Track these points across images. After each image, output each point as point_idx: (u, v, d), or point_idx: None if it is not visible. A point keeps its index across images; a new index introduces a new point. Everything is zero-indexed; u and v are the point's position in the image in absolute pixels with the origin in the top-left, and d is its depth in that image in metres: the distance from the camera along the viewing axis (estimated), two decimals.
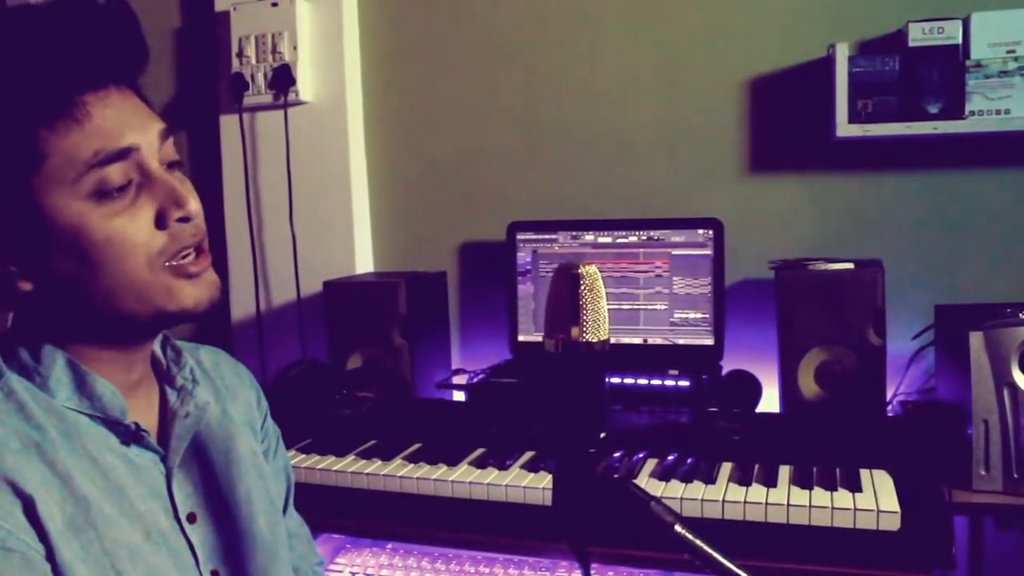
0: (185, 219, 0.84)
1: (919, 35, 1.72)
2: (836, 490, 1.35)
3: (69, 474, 0.80)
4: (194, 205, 0.84)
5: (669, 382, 1.73)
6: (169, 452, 0.90)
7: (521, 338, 2.00)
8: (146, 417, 0.91)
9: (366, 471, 1.57)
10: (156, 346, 0.96)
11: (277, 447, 1.13)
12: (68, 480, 0.79)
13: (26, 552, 0.75)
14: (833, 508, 1.31)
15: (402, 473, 1.55)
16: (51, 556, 0.76)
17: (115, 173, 0.80)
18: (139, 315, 0.84)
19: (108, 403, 0.85)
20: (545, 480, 1.47)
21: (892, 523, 1.28)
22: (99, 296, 0.82)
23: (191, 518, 0.90)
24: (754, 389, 1.65)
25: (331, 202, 2.22)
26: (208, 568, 0.90)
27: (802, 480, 1.40)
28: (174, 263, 0.84)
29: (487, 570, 1.52)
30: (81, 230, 0.79)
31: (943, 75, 1.71)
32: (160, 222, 0.82)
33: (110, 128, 0.80)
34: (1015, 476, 1.36)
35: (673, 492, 1.39)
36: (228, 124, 2.25)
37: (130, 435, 0.87)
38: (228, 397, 1.04)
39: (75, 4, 0.80)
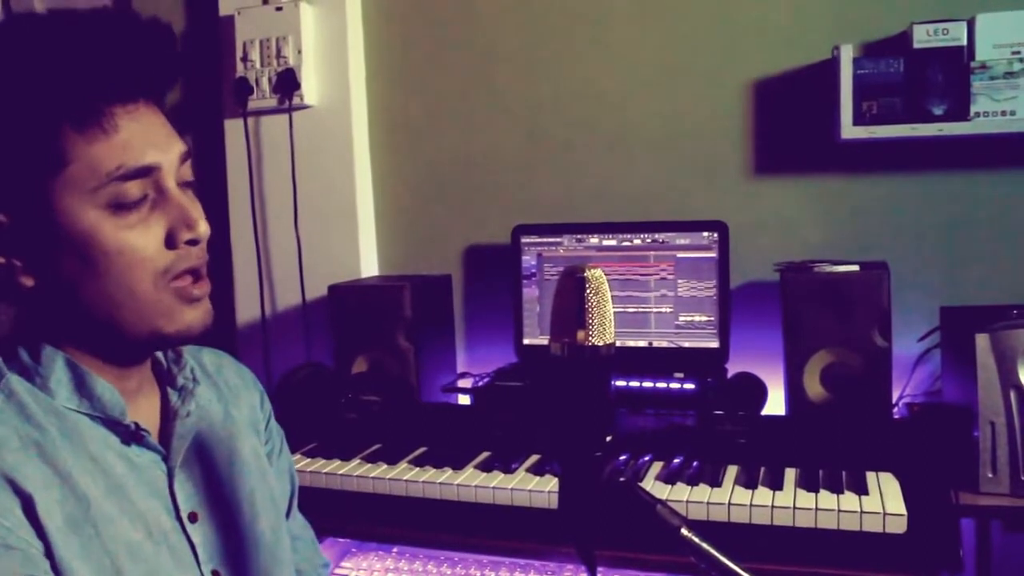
0: (194, 242, 0.85)
1: (924, 36, 1.72)
2: (842, 493, 1.35)
3: (69, 473, 0.80)
4: (203, 228, 0.85)
5: (674, 385, 1.72)
6: (171, 451, 0.91)
7: (526, 341, 2.00)
8: (147, 417, 0.92)
9: (372, 475, 1.57)
10: None
11: (281, 449, 1.13)
12: (68, 479, 0.80)
13: (26, 549, 0.75)
14: (839, 511, 1.30)
15: (408, 477, 1.55)
16: (50, 553, 0.77)
17: (134, 188, 0.81)
18: (134, 331, 0.84)
19: (108, 403, 0.86)
20: (551, 483, 1.47)
21: (899, 526, 1.28)
22: (98, 304, 0.82)
23: (192, 518, 0.90)
24: (759, 392, 1.65)
25: (336, 206, 2.22)
26: (209, 568, 0.90)
27: (808, 483, 1.40)
28: (177, 284, 0.85)
29: (493, 574, 1.51)
30: (93, 237, 0.80)
31: (948, 77, 1.70)
32: (170, 241, 0.84)
33: (135, 144, 0.81)
34: (1022, 478, 1.36)
35: (679, 495, 1.39)
36: (233, 128, 2.26)
37: (130, 435, 0.87)
38: (231, 399, 1.04)
39: (116, 16, 0.82)
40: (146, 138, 0.82)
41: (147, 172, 0.82)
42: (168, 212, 0.84)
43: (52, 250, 0.81)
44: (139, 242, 0.82)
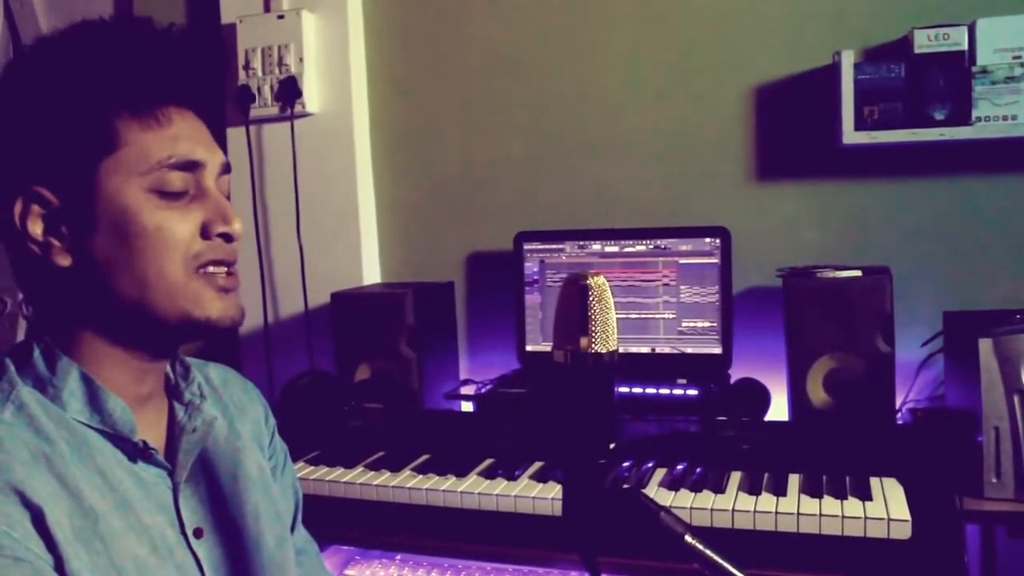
0: (228, 236, 0.89)
1: (925, 42, 1.72)
2: (846, 498, 1.35)
3: (78, 486, 0.80)
4: (238, 226, 0.90)
5: (677, 391, 1.72)
6: (176, 467, 0.91)
7: (529, 348, 2.00)
8: (154, 431, 0.92)
9: (375, 482, 1.57)
10: None
11: (285, 464, 1.13)
12: (76, 492, 0.80)
13: (35, 562, 0.75)
14: (843, 517, 1.30)
15: (411, 484, 1.55)
16: (60, 567, 0.77)
17: (177, 179, 0.86)
18: (163, 315, 0.86)
19: (118, 420, 0.86)
20: (554, 490, 1.47)
21: (903, 532, 1.27)
22: (129, 285, 0.84)
23: (197, 533, 0.90)
24: (763, 397, 1.65)
25: (338, 213, 2.23)
26: None
27: (812, 489, 1.40)
28: (208, 271, 0.88)
29: None
30: (133, 215, 0.84)
31: (949, 81, 1.70)
32: (204, 232, 0.88)
33: (185, 139, 0.87)
34: None
35: (683, 502, 1.39)
36: (235, 136, 2.26)
37: (138, 452, 0.87)
38: (236, 414, 1.05)
39: (183, 33, 0.90)
40: (195, 137, 0.89)
41: (193, 166, 0.87)
42: (206, 206, 0.88)
43: (91, 228, 0.84)
44: (176, 225, 0.86)
